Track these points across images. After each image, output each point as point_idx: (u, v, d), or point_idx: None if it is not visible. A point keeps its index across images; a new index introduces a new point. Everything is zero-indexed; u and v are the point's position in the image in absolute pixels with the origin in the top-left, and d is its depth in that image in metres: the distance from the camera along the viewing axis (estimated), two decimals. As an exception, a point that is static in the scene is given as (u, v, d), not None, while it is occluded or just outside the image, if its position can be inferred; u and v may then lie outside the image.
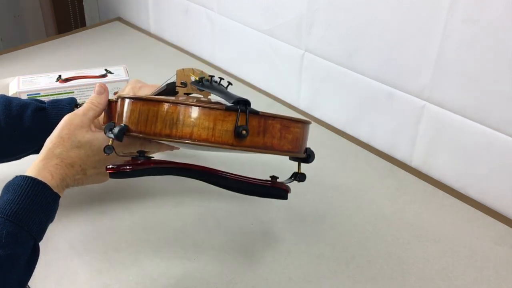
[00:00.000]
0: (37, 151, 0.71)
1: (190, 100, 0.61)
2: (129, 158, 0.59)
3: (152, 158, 0.60)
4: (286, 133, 0.60)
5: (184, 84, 0.70)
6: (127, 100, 0.60)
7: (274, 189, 0.65)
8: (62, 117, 0.68)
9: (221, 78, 0.67)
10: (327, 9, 0.97)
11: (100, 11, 1.61)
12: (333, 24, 0.97)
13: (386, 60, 0.92)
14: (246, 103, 0.57)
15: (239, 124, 0.56)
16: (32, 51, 1.33)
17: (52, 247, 0.75)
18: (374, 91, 0.96)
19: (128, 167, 0.58)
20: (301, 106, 1.12)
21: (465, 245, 0.80)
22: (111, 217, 0.82)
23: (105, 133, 0.61)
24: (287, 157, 0.67)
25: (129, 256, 0.75)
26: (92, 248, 0.76)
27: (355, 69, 0.97)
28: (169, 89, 0.74)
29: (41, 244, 0.61)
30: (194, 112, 0.56)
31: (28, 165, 0.64)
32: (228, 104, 0.58)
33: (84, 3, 1.62)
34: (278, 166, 0.72)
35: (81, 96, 1.03)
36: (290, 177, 0.66)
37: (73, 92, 1.01)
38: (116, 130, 0.58)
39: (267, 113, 0.59)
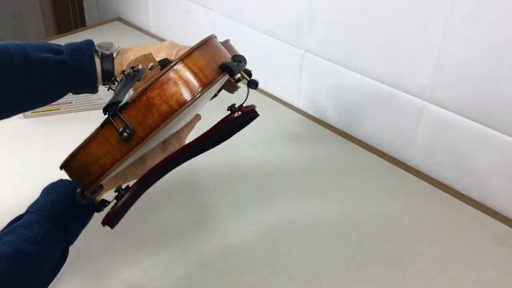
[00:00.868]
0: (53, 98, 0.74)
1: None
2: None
3: (128, 186, 0.59)
4: (166, 91, 0.54)
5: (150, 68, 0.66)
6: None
7: (244, 117, 0.59)
8: (83, 68, 0.70)
9: (135, 69, 0.62)
10: (327, 9, 0.97)
11: (100, 11, 1.61)
12: (333, 24, 0.97)
13: (386, 60, 0.92)
14: (114, 104, 0.54)
15: (118, 127, 0.53)
16: (32, 51, 1.33)
17: (52, 247, 0.75)
18: (374, 91, 0.96)
19: (117, 205, 0.57)
20: (301, 106, 1.12)
21: (465, 245, 0.80)
22: (111, 217, 0.82)
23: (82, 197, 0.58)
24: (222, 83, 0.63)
25: (129, 256, 0.75)
26: (92, 248, 0.76)
27: (355, 69, 0.97)
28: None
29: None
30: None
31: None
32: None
33: (84, 3, 1.62)
34: (230, 95, 0.71)
35: (81, 98, 1.03)
36: (246, 98, 0.62)
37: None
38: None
39: (136, 93, 0.54)
